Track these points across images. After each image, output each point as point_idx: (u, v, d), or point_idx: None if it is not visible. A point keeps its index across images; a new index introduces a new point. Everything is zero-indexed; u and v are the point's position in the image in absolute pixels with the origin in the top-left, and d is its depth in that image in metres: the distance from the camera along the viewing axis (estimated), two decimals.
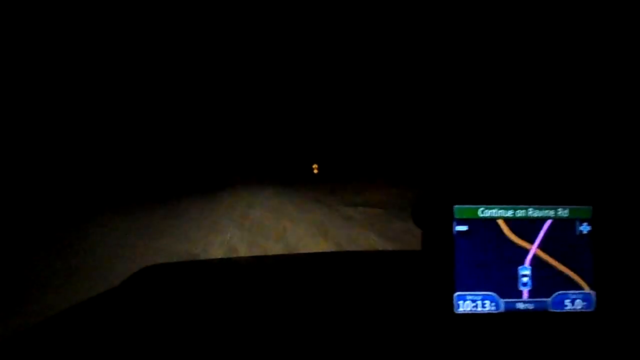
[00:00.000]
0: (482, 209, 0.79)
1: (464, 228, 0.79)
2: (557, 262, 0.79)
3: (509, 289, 0.79)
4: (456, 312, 0.79)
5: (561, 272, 0.79)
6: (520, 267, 0.79)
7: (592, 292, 0.79)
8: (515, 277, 0.79)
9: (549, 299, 0.79)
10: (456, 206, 0.79)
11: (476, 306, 0.79)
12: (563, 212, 0.80)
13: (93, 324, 0.90)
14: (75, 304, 1.00)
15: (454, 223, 0.79)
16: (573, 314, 0.79)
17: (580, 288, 0.79)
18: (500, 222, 0.79)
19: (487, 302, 0.79)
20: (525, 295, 0.79)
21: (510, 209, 0.79)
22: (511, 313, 0.79)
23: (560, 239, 0.80)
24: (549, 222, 0.80)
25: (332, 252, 1.26)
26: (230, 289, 1.06)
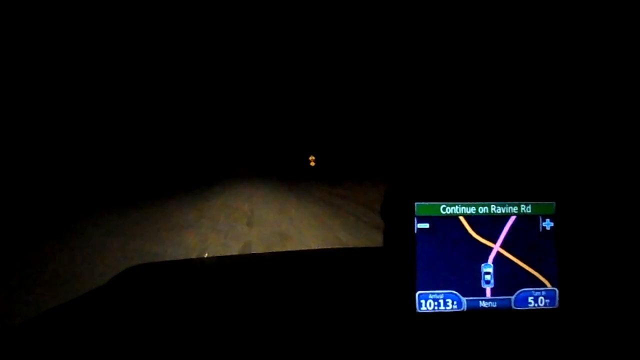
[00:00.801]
0: (444, 205, 0.77)
1: (425, 225, 0.77)
2: (520, 260, 0.78)
3: (472, 287, 0.77)
4: (418, 311, 0.77)
5: (524, 270, 0.78)
6: (483, 264, 0.77)
7: (555, 289, 0.78)
8: (478, 275, 0.77)
9: (512, 297, 0.78)
10: (417, 203, 0.77)
11: (438, 305, 0.77)
12: (526, 209, 0.79)
13: (79, 325, 0.87)
14: (61, 304, 0.97)
15: (415, 220, 0.77)
16: (536, 311, 0.78)
17: (544, 285, 0.78)
18: (462, 219, 0.77)
19: (450, 300, 0.77)
20: (488, 294, 0.77)
21: (472, 206, 0.78)
22: (474, 311, 0.77)
23: (523, 236, 0.78)
24: (512, 218, 0.78)
25: (298, 251, 1.24)
26: (211, 288, 1.04)
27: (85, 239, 6.69)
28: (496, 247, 0.78)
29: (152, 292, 1.06)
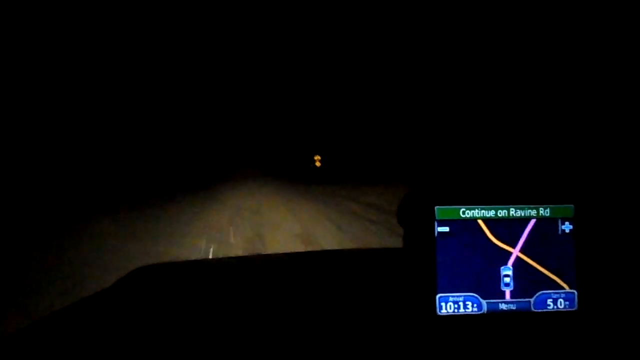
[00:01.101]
0: (463, 209, 0.78)
1: (445, 229, 0.78)
2: (539, 263, 0.79)
3: (492, 289, 0.78)
4: (439, 314, 0.78)
5: (543, 273, 0.79)
6: (503, 267, 0.78)
7: (574, 291, 0.79)
8: (497, 277, 0.78)
9: (532, 299, 0.79)
10: (437, 207, 0.78)
11: (458, 307, 0.78)
12: (545, 212, 0.79)
13: (83, 327, 0.88)
14: (65, 305, 0.98)
15: (436, 224, 0.78)
16: (556, 314, 0.79)
17: (563, 287, 0.79)
18: (482, 224, 0.78)
19: (470, 303, 0.78)
20: (507, 296, 0.78)
21: (492, 209, 0.79)
22: (494, 314, 0.78)
23: (542, 239, 0.79)
24: (532, 222, 0.79)
25: (314, 252, 1.25)
26: (216, 289, 1.05)
27: (88, 240, 6.79)
28: (515, 252, 0.78)
29: (158, 293, 1.06)
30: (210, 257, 5.38)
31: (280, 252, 1.47)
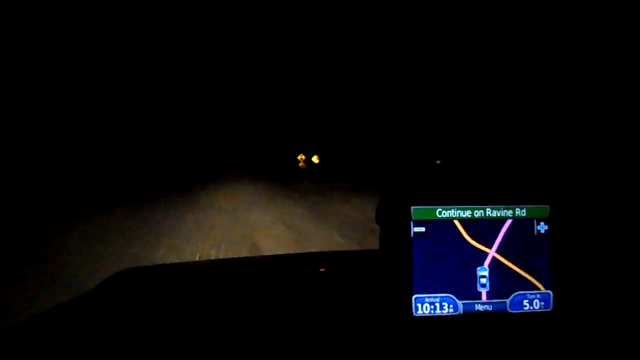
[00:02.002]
0: (439, 209, 0.78)
1: (421, 229, 0.77)
2: (515, 264, 0.79)
3: (468, 290, 0.78)
4: (415, 315, 0.77)
5: (519, 273, 0.79)
6: (479, 268, 0.78)
7: (549, 291, 0.79)
8: (473, 278, 0.78)
9: (508, 300, 0.78)
10: (413, 207, 0.77)
11: (435, 308, 0.77)
12: (521, 212, 0.79)
13: (66, 329, 0.87)
14: (48, 308, 0.96)
15: (412, 224, 0.77)
16: (531, 314, 0.79)
17: (538, 288, 0.79)
18: (458, 224, 0.78)
19: (446, 304, 0.77)
20: (484, 297, 0.78)
21: (468, 209, 0.78)
22: (470, 315, 0.78)
23: (518, 239, 0.79)
24: (508, 222, 0.79)
25: (294, 254, 1.24)
26: (199, 292, 1.04)
27: (74, 241, 6.65)
28: (491, 252, 0.78)
29: (144, 296, 1.05)
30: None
31: (261, 254, 1.46)
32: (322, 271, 1.11)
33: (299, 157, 22.99)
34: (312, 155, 23.21)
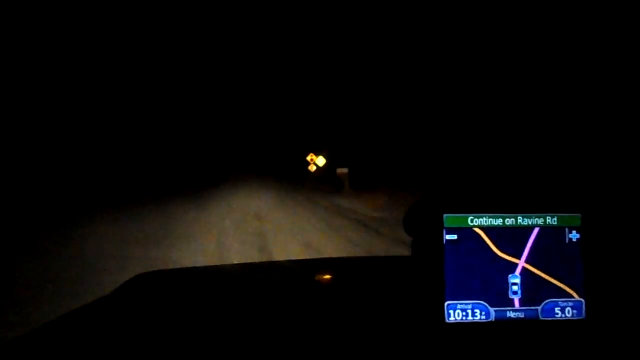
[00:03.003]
0: (471, 217, 0.79)
1: (453, 237, 0.79)
2: (546, 272, 0.79)
3: (500, 297, 0.79)
4: (447, 321, 0.78)
5: (551, 281, 0.79)
6: (510, 275, 0.79)
7: (582, 299, 0.79)
8: (505, 285, 0.79)
9: (539, 307, 0.79)
10: (446, 215, 0.79)
11: (467, 315, 0.78)
12: (552, 220, 0.80)
13: (84, 333, 0.89)
14: (65, 312, 0.98)
15: (444, 232, 0.79)
16: (563, 322, 0.79)
17: (570, 296, 0.79)
18: (485, 237, 0.79)
19: (478, 311, 0.78)
20: (516, 304, 0.79)
21: (499, 217, 0.79)
22: (502, 322, 0.78)
23: (549, 247, 0.80)
24: (535, 231, 0.80)
25: (320, 259, 1.25)
26: (222, 296, 1.06)
27: (85, 243, 6.75)
28: (521, 263, 0.79)
29: (158, 299, 1.07)
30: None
31: (285, 259, 1.48)
32: (351, 277, 1.12)
33: (308, 158, 19.34)
34: (308, 155, 19.51)
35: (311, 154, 19.12)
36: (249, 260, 5.64)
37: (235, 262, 5.60)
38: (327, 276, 1.18)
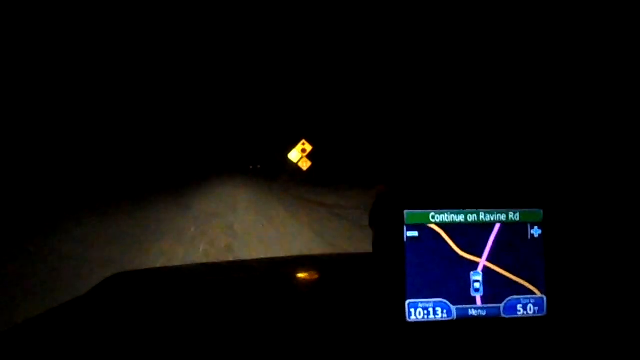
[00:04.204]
0: (432, 213, 0.77)
1: (414, 234, 0.77)
2: (507, 269, 0.78)
3: (461, 295, 0.77)
4: (408, 320, 0.76)
5: (512, 278, 0.78)
6: (472, 272, 0.77)
7: (543, 296, 0.78)
8: (467, 283, 0.77)
9: (502, 305, 0.78)
10: (407, 211, 0.77)
11: (428, 314, 0.76)
12: (514, 216, 0.79)
13: (58, 333, 0.86)
14: (39, 312, 0.96)
15: (405, 228, 0.77)
16: (525, 319, 0.78)
17: (532, 293, 0.78)
18: (445, 236, 0.77)
19: (439, 309, 0.77)
20: (478, 302, 0.77)
21: (461, 213, 0.78)
22: (463, 320, 0.77)
23: (511, 244, 0.78)
24: (497, 227, 0.78)
25: (288, 257, 1.23)
26: (190, 296, 1.03)
27: (66, 243, 6.59)
28: (482, 261, 0.78)
29: (132, 300, 1.04)
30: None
31: (252, 258, 1.45)
32: (314, 275, 1.11)
33: (299, 148, 15.76)
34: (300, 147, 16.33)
35: (303, 140, 15.72)
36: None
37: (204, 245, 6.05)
38: (292, 274, 1.16)
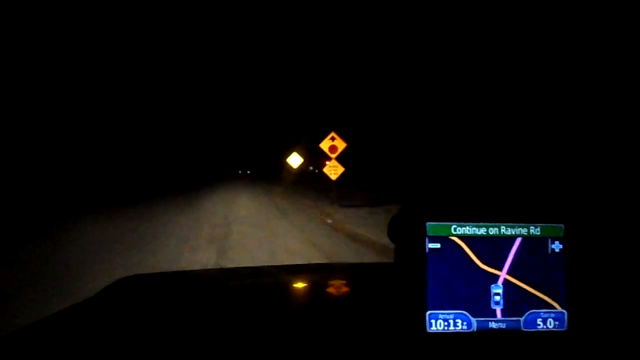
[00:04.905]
0: (454, 226, 0.79)
1: (436, 245, 0.78)
2: (528, 283, 0.79)
3: (482, 307, 0.78)
4: (428, 331, 0.77)
5: (533, 292, 0.79)
6: (493, 285, 0.78)
7: (564, 311, 0.79)
8: (488, 295, 0.78)
9: (522, 318, 0.78)
10: (429, 223, 0.78)
11: (448, 325, 0.77)
12: (535, 230, 0.80)
13: (65, 337, 0.87)
14: (46, 315, 0.97)
15: (427, 240, 0.78)
16: (545, 333, 0.78)
17: (552, 307, 0.79)
18: (466, 248, 0.78)
19: (460, 320, 0.78)
20: (498, 314, 0.78)
21: (482, 227, 0.79)
22: (483, 332, 0.78)
23: (531, 258, 0.79)
24: (518, 241, 0.79)
25: (304, 265, 1.25)
26: (200, 300, 1.05)
27: (76, 244, 6.72)
28: (503, 275, 0.78)
29: (141, 303, 1.06)
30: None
31: (268, 264, 1.47)
32: (335, 284, 1.12)
33: (326, 144, 11.05)
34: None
35: (333, 133, 11.20)
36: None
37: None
38: (310, 283, 1.17)
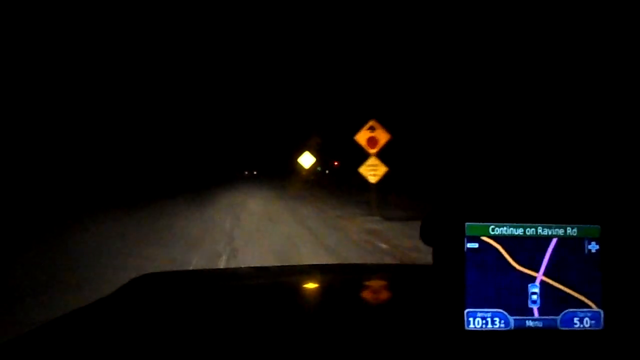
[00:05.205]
0: (492, 226, 0.80)
1: (474, 245, 0.80)
2: (564, 284, 0.80)
3: (519, 306, 0.79)
4: (466, 329, 0.79)
5: (569, 292, 0.80)
6: (530, 284, 0.80)
7: (600, 310, 0.80)
8: (525, 294, 0.80)
9: (558, 317, 0.80)
10: (467, 223, 0.80)
11: (486, 323, 0.79)
12: (572, 231, 0.81)
13: (82, 335, 0.89)
14: (63, 313, 0.99)
15: (465, 240, 0.80)
16: (582, 332, 0.80)
17: (589, 306, 0.80)
18: (502, 250, 0.80)
19: (497, 319, 0.79)
20: (535, 313, 0.80)
21: (520, 227, 0.80)
22: (521, 330, 0.79)
23: (567, 258, 0.80)
24: (554, 242, 0.80)
25: (337, 265, 1.26)
26: (217, 299, 1.06)
27: (86, 242, 6.81)
28: (539, 276, 0.80)
29: (157, 301, 1.07)
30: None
31: (300, 264, 1.48)
32: (371, 284, 1.13)
33: (363, 136, 8.42)
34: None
35: (372, 121, 8.61)
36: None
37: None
38: (346, 283, 1.18)
